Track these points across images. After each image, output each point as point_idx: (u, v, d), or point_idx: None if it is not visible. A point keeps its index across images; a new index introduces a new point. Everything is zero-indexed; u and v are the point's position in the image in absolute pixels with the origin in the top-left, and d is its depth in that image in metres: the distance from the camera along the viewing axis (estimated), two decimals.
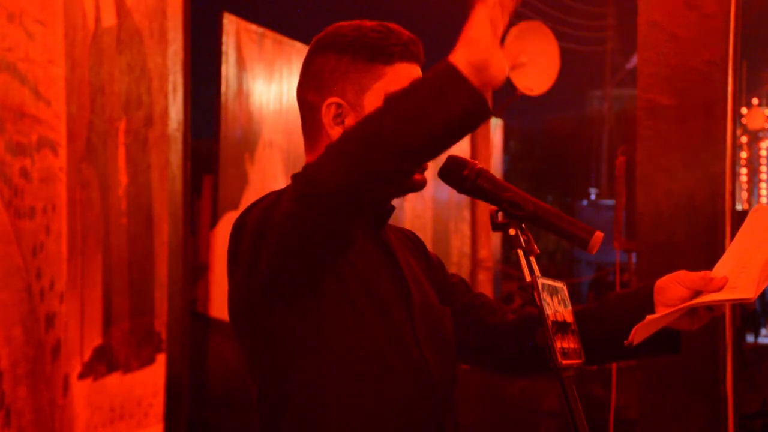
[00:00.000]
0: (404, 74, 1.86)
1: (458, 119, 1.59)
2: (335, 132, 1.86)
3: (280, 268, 1.72)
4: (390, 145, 1.60)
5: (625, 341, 1.82)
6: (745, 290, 1.77)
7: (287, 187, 1.73)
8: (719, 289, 1.80)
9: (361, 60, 1.85)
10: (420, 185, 1.88)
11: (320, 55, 1.88)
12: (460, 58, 1.59)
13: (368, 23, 1.88)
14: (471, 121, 1.61)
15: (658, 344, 1.91)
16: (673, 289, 1.86)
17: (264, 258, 1.72)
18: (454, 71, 1.58)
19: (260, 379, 1.84)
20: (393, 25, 1.88)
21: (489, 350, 2.05)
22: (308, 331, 1.79)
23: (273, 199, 1.75)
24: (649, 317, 1.81)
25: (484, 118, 1.62)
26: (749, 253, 1.83)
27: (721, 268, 1.84)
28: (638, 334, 1.81)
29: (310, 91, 1.89)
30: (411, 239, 2.05)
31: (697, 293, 1.84)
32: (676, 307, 1.82)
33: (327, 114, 1.86)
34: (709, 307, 1.87)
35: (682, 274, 1.86)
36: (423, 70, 1.90)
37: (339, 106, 1.86)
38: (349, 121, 1.85)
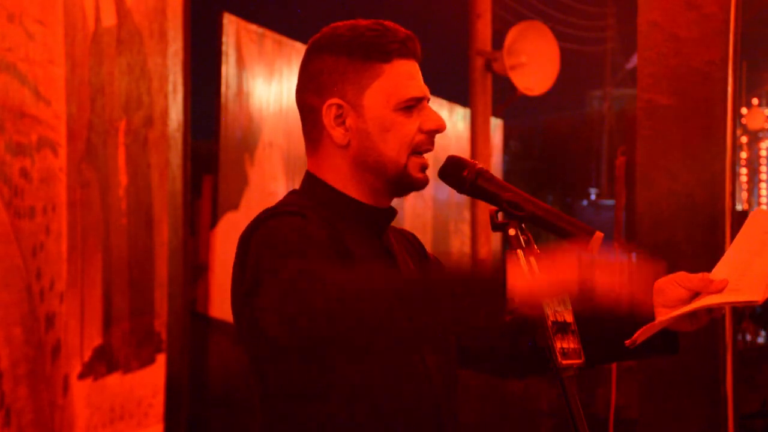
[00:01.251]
0: (402, 71, 1.86)
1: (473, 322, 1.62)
2: (336, 132, 1.86)
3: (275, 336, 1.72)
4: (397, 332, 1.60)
5: (627, 341, 1.82)
6: (752, 293, 1.77)
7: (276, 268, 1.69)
8: (719, 291, 1.81)
9: (358, 59, 1.85)
10: (422, 184, 1.89)
11: (317, 56, 1.88)
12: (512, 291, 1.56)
13: (364, 22, 1.88)
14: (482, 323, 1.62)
15: (656, 344, 1.91)
16: (673, 291, 1.86)
17: (263, 320, 1.71)
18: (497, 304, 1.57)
19: (261, 379, 1.84)
20: (389, 23, 1.88)
21: (486, 352, 2.05)
22: None
23: (279, 249, 1.71)
24: (658, 320, 1.82)
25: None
26: (750, 256, 1.83)
27: (719, 271, 1.85)
28: (641, 335, 1.81)
29: (310, 94, 1.89)
30: (411, 241, 2.05)
31: (696, 295, 1.84)
32: (682, 310, 1.82)
33: (328, 115, 1.86)
34: (708, 309, 1.87)
35: (682, 276, 1.86)
36: (420, 65, 1.91)
37: (339, 106, 1.86)
38: (350, 121, 1.86)
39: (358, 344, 1.64)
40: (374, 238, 1.90)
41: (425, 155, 1.89)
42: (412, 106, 1.86)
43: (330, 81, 1.86)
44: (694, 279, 1.84)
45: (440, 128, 1.88)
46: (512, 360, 2.04)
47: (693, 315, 1.88)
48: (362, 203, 1.88)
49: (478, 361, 2.08)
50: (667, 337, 1.92)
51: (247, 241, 1.78)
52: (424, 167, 1.88)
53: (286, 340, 1.66)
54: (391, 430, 1.81)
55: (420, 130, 1.86)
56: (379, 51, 1.85)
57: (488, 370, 2.14)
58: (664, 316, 1.85)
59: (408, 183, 1.87)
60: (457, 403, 1.94)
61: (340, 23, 1.90)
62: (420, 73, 1.90)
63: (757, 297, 1.77)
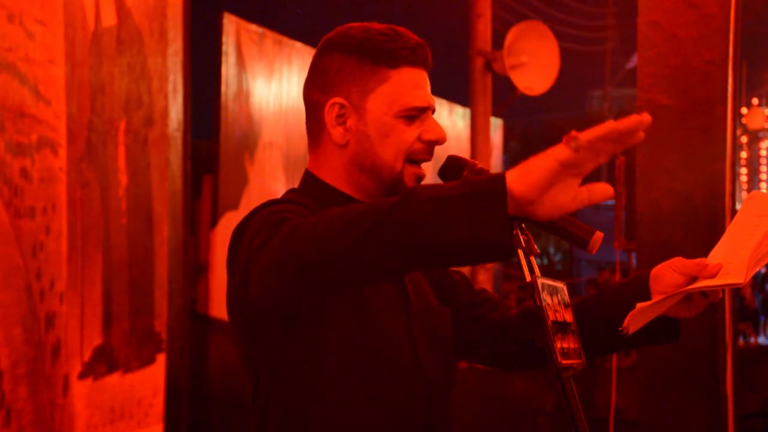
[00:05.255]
0: (408, 79, 1.86)
1: (476, 246, 1.52)
2: (336, 132, 1.87)
3: (264, 301, 1.72)
4: (388, 246, 1.55)
5: (620, 328, 1.82)
6: (736, 276, 1.78)
7: (284, 219, 1.69)
8: (714, 275, 1.81)
9: (367, 62, 1.85)
10: None
11: (327, 54, 1.89)
12: (509, 182, 1.54)
13: (377, 26, 1.89)
14: (488, 253, 1.54)
15: (656, 332, 1.92)
16: (669, 276, 1.87)
17: (251, 284, 1.72)
18: (496, 193, 1.52)
19: (255, 374, 1.84)
20: (401, 29, 1.89)
21: (492, 346, 2.05)
22: (301, 330, 1.79)
23: (273, 219, 1.71)
24: (640, 305, 1.82)
25: (505, 255, 1.55)
26: (742, 239, 1.84)
27: (715, 255, 1.86)
28: (633, 321, 1.81)
29: (315, 90, 1.90)
30: None
31: (693, 279, 1.85)
32: (669, 294, 1.83)
33: (330, 113, 1.87)
34: (704, 294, 1.88)
35: (678, 261, 1.87)
36: (429, 75, 1.91)
37: (342, 106, 1.86)
38: (351, 122, 1.86)
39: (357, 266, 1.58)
40: None
41: (423, 167, 1.89)
42: (415, 115, 1.86)
43: (336, 80, 1.87)
44: (690, 264, 1.85)
45: (440, 140, 1.87)
46: (516, 352, 2.04)
47: (690, 300, 1.89)
48: (359, 201, 1.88)
49: (478, 352, 2.08)
50: (667, 324, 1.93)
51: (238, 234, 1.79)
52: (419, 178, 1.88)
53: (288, 286, 1.64)
54: (380, 425, 1.81)
55: (419, 139, 1.86)
56: (387, 56, 1.85)
57: (492, 360, 2.14)
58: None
59: (401, 191, 1.86)
60: (453, 399, 1.93)
61: (354, 24, 1.91)
62: (428, 82, 1.89)
63: (740, 279, 1.77)
